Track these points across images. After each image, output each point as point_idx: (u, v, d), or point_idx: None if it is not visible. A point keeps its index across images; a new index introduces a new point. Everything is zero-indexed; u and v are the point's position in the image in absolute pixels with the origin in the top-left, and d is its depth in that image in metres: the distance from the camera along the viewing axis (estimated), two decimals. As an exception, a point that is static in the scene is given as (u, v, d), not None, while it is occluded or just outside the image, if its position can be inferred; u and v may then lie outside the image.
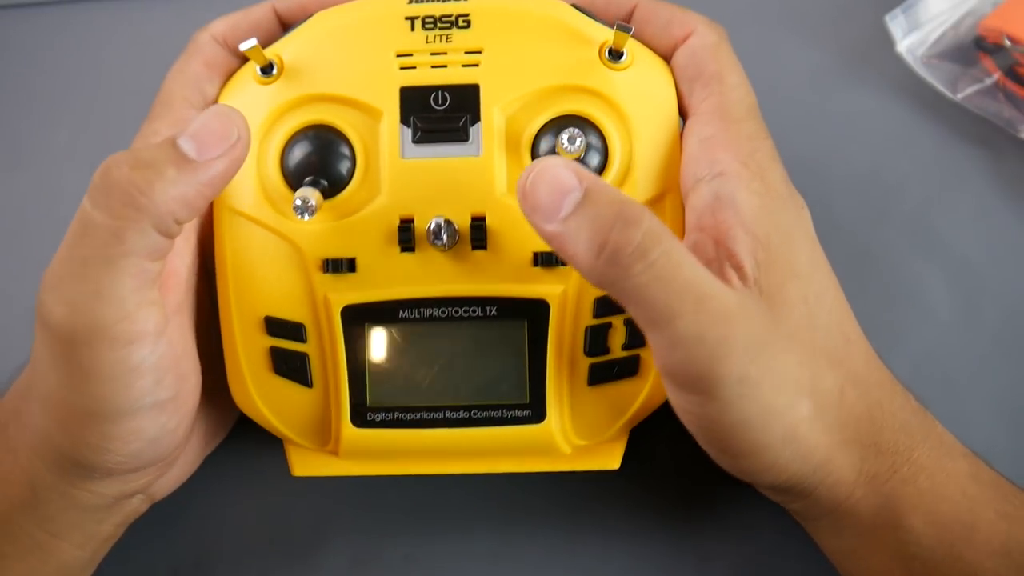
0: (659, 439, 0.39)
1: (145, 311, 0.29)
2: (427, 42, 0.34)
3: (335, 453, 0.34)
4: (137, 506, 0.34)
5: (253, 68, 0.34)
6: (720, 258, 0.31)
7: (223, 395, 0.36)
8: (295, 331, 0.34)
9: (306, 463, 0.35)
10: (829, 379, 0.31)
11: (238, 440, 0.40)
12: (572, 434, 0.34)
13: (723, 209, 0.31)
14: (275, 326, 0.34)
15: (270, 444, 0.39)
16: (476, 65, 0.34)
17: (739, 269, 0.31)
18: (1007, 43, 0.45)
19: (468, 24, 0.34)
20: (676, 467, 0.39)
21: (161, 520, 0.38)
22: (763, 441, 0.30)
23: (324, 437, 0.34)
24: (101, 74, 0.51)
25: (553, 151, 0.34)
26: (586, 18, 0.34)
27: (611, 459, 0.35)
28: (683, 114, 0.35)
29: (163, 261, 0.29)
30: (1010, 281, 0.43)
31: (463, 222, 0.33)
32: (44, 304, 0.28)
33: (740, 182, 0.32)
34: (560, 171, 0.28)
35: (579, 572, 0.38)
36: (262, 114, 0.34)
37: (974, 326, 0.42)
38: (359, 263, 0.34)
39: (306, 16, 0.35)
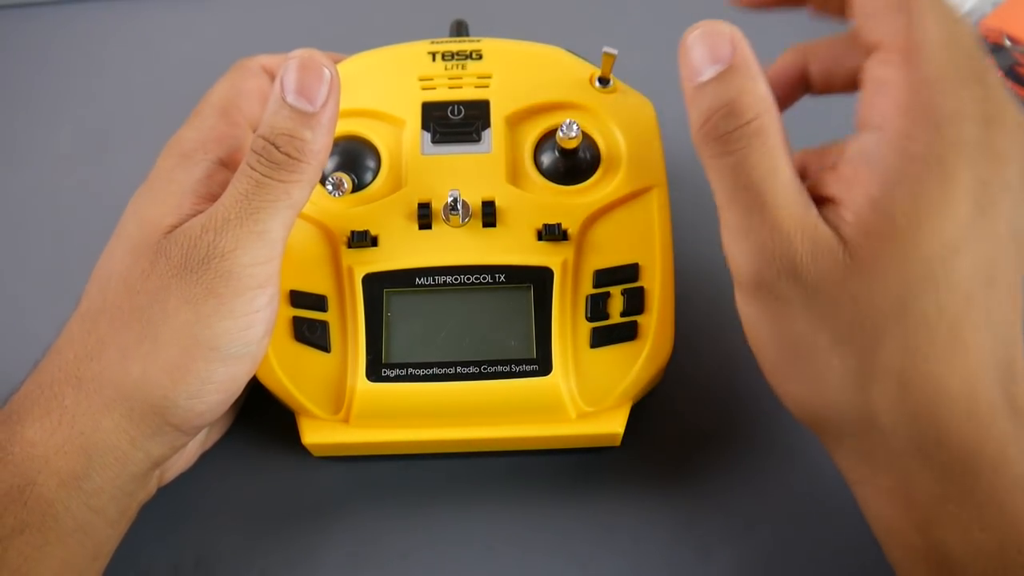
0: (659, 424, 0.40)
1: (278, 263, 0.33)
2: (445, 70, 0.41)
3: (346, 421, 0.36)
4: (152, 488, 0.36)
5: None
6: (828, 207, 0.30)
7: None
8: (317, 301, 0.37)
9: (316, 431, 0.36)
10: (886, 357, 0.30)
11: (238, 440, 0.40)
12: (578, 398, 0.36)
13: (856, 165, 0.30)
14: (299, 298, 0.37)
15: (270, 443, 0.40)
16: (487, 87, 0.40)
17: (835, 228, 0.29)
18: (1007, 43, 0.46)
19: (480, 57, 0.41)
20: (676, 454, 0.40)
21: (162, 518, 0.38)
22: (795, 371, 0.31)
23: (337, 404, 0.36)
24: (101, 74, 0.52)
25: (554, 153, 0.39)
26: (578, 58, 0.41)
27: (615, 423, 0.36)
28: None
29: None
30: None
31: (475, 205, 0.38)
32: (211, 244, 0.32)
33: (890, 148, 0.29)
34: (720, 39, 0.30)
35: (578, 559, 0.38)
36: None
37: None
38: (381, 239, 0.37)
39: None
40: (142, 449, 0.33)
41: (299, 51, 0.33)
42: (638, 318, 0.36)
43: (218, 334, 0.32)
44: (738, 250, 0.30)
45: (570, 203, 0.38)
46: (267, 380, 0.36)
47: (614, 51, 0.39)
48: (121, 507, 0.34)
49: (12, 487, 0.31)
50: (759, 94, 0.30)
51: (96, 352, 0.33)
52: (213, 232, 0.32)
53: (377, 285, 0.36)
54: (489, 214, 0.37)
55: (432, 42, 0.41)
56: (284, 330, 0.36)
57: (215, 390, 0.33)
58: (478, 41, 0.41)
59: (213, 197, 0.34)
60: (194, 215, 0.33)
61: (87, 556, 0.33)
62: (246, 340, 0.33)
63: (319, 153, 0.33)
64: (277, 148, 0.32)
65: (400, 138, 0.39)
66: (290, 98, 0.33)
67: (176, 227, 0.33)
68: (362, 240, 0.37)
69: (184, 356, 0.32)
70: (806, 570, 0.37)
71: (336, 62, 0.41)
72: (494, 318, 0.36)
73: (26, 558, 0.30)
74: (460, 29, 0.45)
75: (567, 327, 0.36)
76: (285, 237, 0.33)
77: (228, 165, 0.36)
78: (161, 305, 0.32)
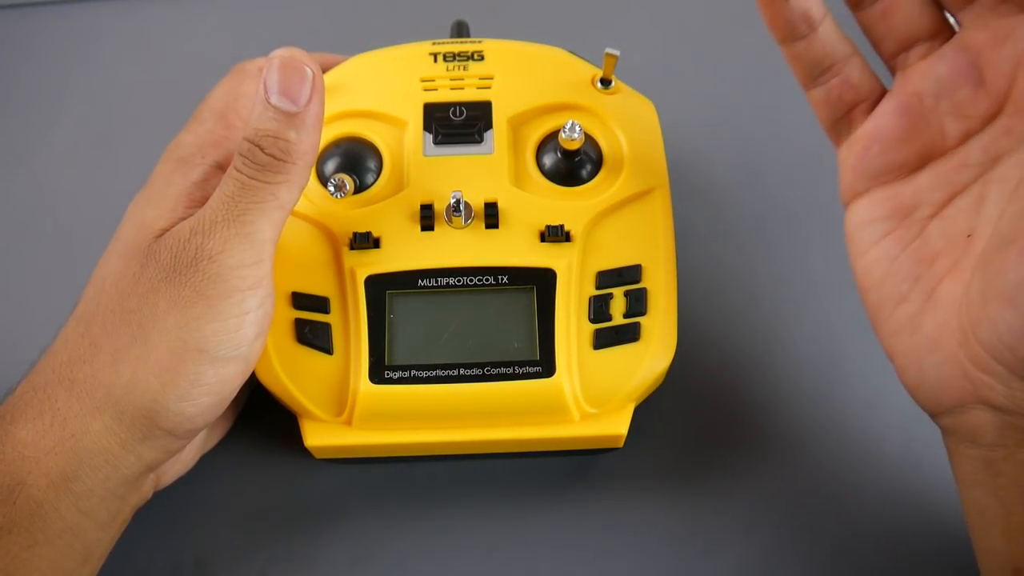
0: (661, 426, 0.40)
1: (268, 265, 0.33)
2: (447, 71, 0.41)
3: (348, 423, 0.36)
4: (147, 492, 0.36)
5: None
6: None
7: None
8: (320, 303, 0.37)
9: (319, 433, 0.36)
10: None
11: (239, 441, 0.40)
12: (581, 399, 0.36)
13: None
14: (301, 299, 0.37)
15: (272, 445, 0.40)
16: (489, 88, 0.40)
17: None
18: (1007, 43, 0.45)
19: (482, 58, 0.41)
20: (679, 455, 0.40)
21: (162, 518, 0.38)
22: None
23: (340, 406, 0.36)
24: (101, 74, 0.51)
25: (556, 155, 0.39)
26: (579, 59, 0.41)
27: (618, 424, 0.36)
28: None
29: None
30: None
31: (477, 206, 0.38)
32: (199, 246, 0.32)
33: None
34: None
35: (581, 560, 0.38)
36: None
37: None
38: (383, 241, 0.37)
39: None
40: (133, 452, 0.33)
41: (280, 51, 0.33)
42: (641, 319, 0.36)
43: (207, 336, 0.32)
44: None
45: (572, 204, 0.38)
46: (269, 382, 0.36)
47: (616, 52, 0.39)
48: (112, 510, 0.34)
49: (1, 486, 0.31)
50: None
51: (89, 355, 0.33)
52: (201, 235, 0.32)
53: (379, 287, 0.36)
54: (492, 215, 0.37)
55: (433, 43, 0.41)
56: (286, 332, 0.36)
57: (205, 392, 0.33)
58: (479, 42, 0.41)
59: (207, 201, 0.34)
60: (186, 218, 0.33)
61: (76, 558, 0.33)
62: (236, 343, 0.33)
63: (306, 153, 0.33)
64: (262, 150, 0.32)
65: (402, 139, 0.39)
66: (273, 99, 0.33)
67: (167, 230, 0.33)
68: (364, 242, 0.37)
69: (173, 358, 0.32)
70: (806, 570, 0.37)
71: (337, 63, 0.42)
72: (497, 320, 0.36)
73: (13, 558, 0.31)
74: (461, 30, 0.45)
75: (570, 328, 0.36)
76: (275, 239, 0.33)
77: (226, 169, 0.36)
78: (151, 308, 0.32)
